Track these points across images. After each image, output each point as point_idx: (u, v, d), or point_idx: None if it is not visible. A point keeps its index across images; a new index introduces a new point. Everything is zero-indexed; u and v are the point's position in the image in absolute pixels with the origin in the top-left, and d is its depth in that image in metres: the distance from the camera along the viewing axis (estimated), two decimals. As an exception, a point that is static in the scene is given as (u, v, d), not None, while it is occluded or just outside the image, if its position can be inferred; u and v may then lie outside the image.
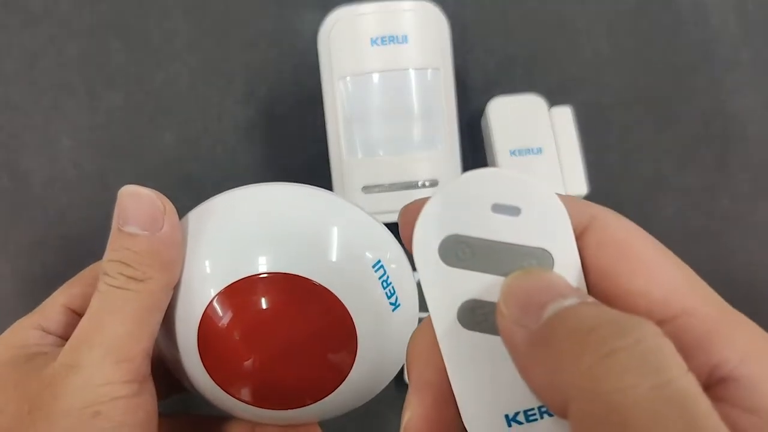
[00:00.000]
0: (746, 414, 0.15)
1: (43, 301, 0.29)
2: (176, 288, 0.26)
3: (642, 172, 0.43)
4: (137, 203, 0.25)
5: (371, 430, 0.38)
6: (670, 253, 0.17)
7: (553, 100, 0.41)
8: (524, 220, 0.17)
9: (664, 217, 0.42)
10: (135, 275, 0.24)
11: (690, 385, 0.13)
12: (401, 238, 0.19)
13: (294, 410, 0.27)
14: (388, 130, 0.37)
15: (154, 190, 0.25)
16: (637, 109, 0.44)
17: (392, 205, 0.37)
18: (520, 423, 0.17)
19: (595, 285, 0.17)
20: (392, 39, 0.36)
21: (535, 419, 0.17)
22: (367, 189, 0.37)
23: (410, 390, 0.18)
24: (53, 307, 0.28)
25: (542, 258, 0.17)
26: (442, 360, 0.17)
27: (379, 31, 0.36)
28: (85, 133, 0.43)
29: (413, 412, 0.17)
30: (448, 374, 0.17)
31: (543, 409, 0.17)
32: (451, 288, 0.17)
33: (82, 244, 0.41)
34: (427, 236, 0.17)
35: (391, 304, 0.27)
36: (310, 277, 0.26)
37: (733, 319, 0.16)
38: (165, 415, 0.29)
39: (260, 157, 0.43)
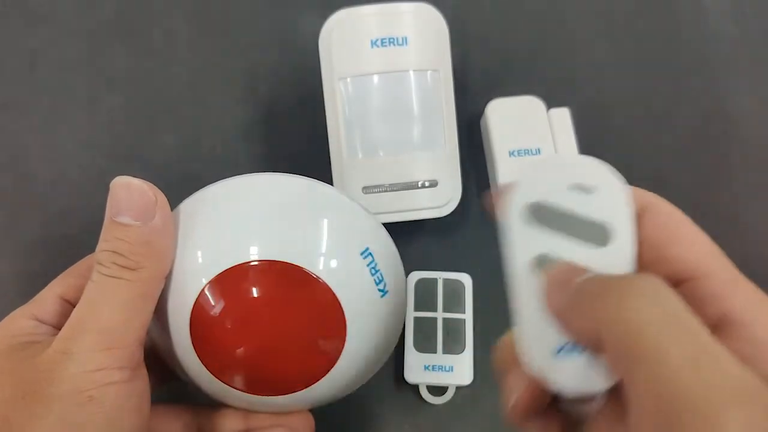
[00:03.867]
0: (740, 343, 0.19)
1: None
2: (168, 277, 0.26)
3: (642, 172, 0.43)
4: (129, 194, 0.25)
5: (371, 430, 0.38)
6: (702, 233, 0.23)
7: (552, 101, 0.42)
8: (594, 198, 0.21)
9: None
10: (128, 264, 0.25)
11: (685, 308, 0.18)
12: (488, 206, 0.23)
13: (285, 396, 0.28)
14: (388, 130, 0.38)
15: (145, 181, 0.26)
16: (636, 109, 0.44)
17: (392, 205, 0.37)
18: (563, 354, 0.21)
19: (645, 254, 0.22)
20: (392, 41, 0.36)
21: (574, 353, 0.21)
22: (367, 189, 0.37)
23: (511, 380, 0.22)
24: (48, 298, 0.28)
25: (601, 230, 0.21)
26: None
27: (379, 33, 0.36)
28: (87, 134, 0.43)
29: (519, 393, 0.22)
30: (515, 311, 0.21)
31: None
32: (529, 243, 0.21)
33: (83, 244, 0.41)
34: (516, 202, 0.21)
35: (379, 290, 0.28)
36: (299, 264, 0.26)
37: (739, 282, 0.22)
38: (160, 402, 0.29)
39: (260, 157, 0.43)
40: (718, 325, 0.20)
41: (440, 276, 0.39)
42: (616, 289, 0.19)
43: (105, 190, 0.42)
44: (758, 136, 0.43)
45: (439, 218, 0.38)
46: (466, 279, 0.39)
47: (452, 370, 0.37)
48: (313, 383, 0.28)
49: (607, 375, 0.20)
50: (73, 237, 0.41)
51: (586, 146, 0.41)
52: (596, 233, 0.21)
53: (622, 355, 0.18)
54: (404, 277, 0.30)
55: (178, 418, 0.30)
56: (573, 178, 0.21)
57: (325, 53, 0.38)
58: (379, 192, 0.37)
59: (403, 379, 0.37)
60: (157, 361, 0.29)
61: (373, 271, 0.28)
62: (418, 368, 0.37)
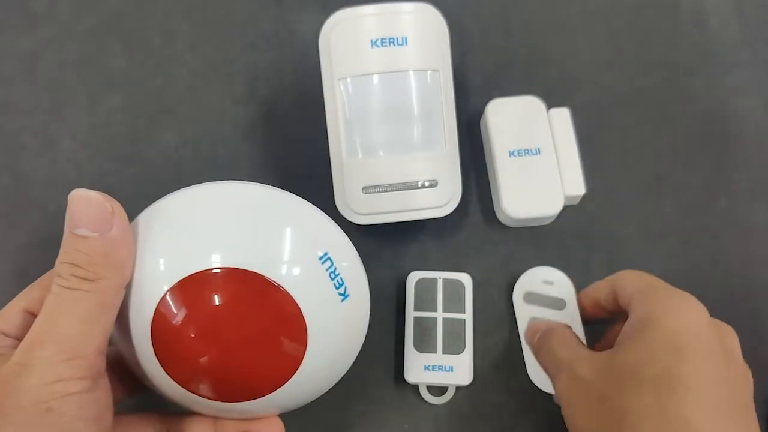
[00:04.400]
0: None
1: None
2: (129, 287, 0.27)
3: (641, 172, 0.43)
4: (86, 207, 0.26)
5: (371, 430, 0.38)
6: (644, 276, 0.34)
7: (552, 102, 0.42)
8: (555, 287, 0.39)
9: (663, 216, 0.42)
10: (86, 276, 0.25)
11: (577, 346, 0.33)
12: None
13: (251, 402, 0.28)
14: (388, 131, 0.37)
15: (103, 193, 0.26)
16: (636, 109, 0.44)
17: (392, 205, 0.37)
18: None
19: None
20: (392, 41, 0.36)
21: None
22: (367, 189, 0.37)
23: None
24: (12, 311, 0.28)
25: (560, 302, 0.39)
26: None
27: (379, 33, 0.36)
28: (86, 134, 0.43)
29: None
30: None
31: None
32: (525, 312, 0.39)
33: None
34: (517, 292, 0.39)
35: (339, 294, 0.28)
36: (258, 271, 0.26)
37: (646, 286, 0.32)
38: (126, 411, 0.29)
39: (260, 157, 0.43)
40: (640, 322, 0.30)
41: (440, 276, 0.39)
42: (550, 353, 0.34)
43: (105, 190, 0.42)
44: (758, 136, 0.43)
45: (439, 218, 0.38)
46: (466, 279, 0.39)
47: (452, 370, 0.37)
48: (278, 388, 0.28)
49: None
50: (73, 237, 0.41)
51: (586, 146, 0.41)
52: (557, 304, 0.39)
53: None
54: (366, 280, 0.30)
55: (145, 427, 0.30)
56: (543, 277, 0.39)
57: (325, 53, 0.37)
58: (379, 192, 0.37)
59: (403, 379, 0.37)
60: (127, 371, 0.29)
61: (333, 276, 0.28)
62: (418, 368, 0.37)
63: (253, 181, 0.42)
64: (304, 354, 0.27)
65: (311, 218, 0.29)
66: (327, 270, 0.28)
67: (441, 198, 0.38)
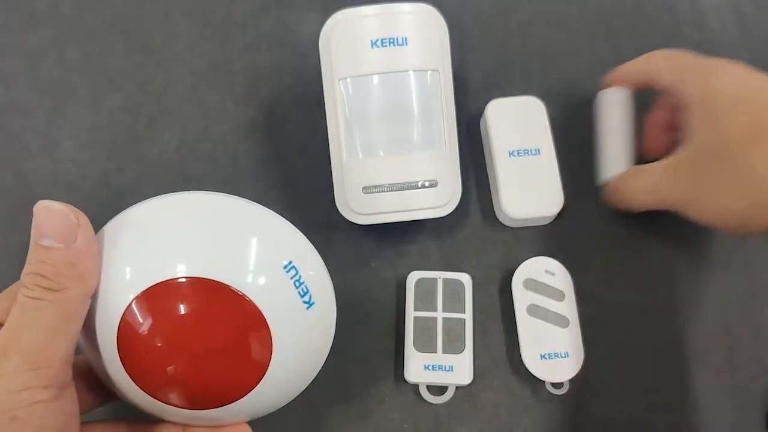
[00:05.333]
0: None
1: None
2: (95, 297, 0.27)
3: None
4: (51, 218, 0.26)
5: (372, 430, 0.38)
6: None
7: (552, 101, 0.42)
8: (555, 278, 0.39)
9: (663, 216, 0.42)
10: (51, 286, 0.25)
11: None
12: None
13: (219, 409, 0.28)
14: (388, 131, 0.38)
15: (67, 205, 0.26)
16: (635, 109, 0.44)
17: (392, 205, 0.37)
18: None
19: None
20: (392, 41, 0.36)
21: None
22: (367, 189, 0.37)
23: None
24: None
25: (559, 293, 0.39)
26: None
27: (379, 34, 0.36)
28: (87, 134, 0.43)
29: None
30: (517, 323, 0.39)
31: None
32: (524, 298, 0.39)
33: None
34: (517, 279, 0.39)
35: (305, 302, 0.28)
36: (223, 281, 0.27)
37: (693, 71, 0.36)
38: (95, 420, 0.30)
39: (261, 157, 0.43)
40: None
41: (440, 276, 0.39)
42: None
43: (105, 190, 0.42)
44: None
45: (439, 218, 0.38)
46: (465, 279, 0.39)
47: (452, 370, 0.37)
48: (245, 395, 0.28)
49: None
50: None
51: (586, 146, 0.41)
52: (557, 295, 0.39)
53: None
54: (332, 288, 0.31)
55: None
56: (545, 267, 0.39)
57: (325, 53, 0.38)
58: (379, 192, 0.37)
59: (403, 378, 0.37)
60: (97, 380, 0.30)
61: (297, 284, 0.28)
62: (418, 368, 0.37)
63: (254, 180, 0.42)
64: (269, 361, 0.28)
65: (276, 227, 0.29)
66: (292, 278, 0.28)
67: (441, 198, 0.38)
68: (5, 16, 0.45)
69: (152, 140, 0.43)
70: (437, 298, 0.38)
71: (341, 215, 0.38)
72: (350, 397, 0.38)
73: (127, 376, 0.27)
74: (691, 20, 0.46)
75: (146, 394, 0.28)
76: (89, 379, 0.29)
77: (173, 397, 0.28)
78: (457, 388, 0.38)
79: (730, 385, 0.39)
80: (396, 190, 0.37)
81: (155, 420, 0.30)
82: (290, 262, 0.28)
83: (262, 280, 0.27)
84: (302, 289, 0.28)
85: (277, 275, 0.28)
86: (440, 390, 0.38)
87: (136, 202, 0.29)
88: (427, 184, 0.38)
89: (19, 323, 0.25)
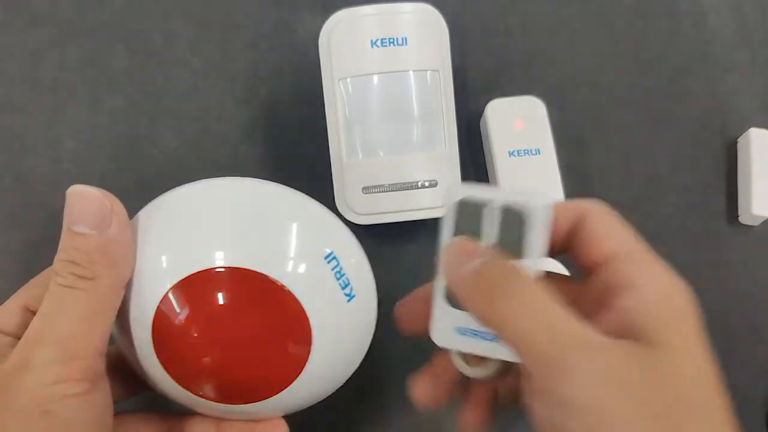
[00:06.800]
0: (629, 301, 0.23)
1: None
2: (129, 286, 0.26)
3: (641, 172, 0.43)
4: (85, 203, 0.25)
5: (372, 429, 0.38)
6: (624, 227, 0.25)
7: (552, 101, 0.42)
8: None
9: (663, 217, 0.42)
10: (84, 274, 0.25)
11: (538, 295, 0.22)
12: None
13: (254, 404, 0.28)
14: (388, 131, 0.38)
15: (101, 190, 0.26)
16: (636, 109, 0.44)
17: (392, 205, 0.37)
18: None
19: (581, 247, 0.25)
20: (392, 41, 0.36)
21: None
22: (367, 189, 0.37)
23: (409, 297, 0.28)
24: (10, 309, 0.28)
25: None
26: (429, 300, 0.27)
27: (379, 33, 0.36)
28: (87, 134, 0.43)
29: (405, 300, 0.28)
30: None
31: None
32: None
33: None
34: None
35: (345, 295, 0.28)
36: (263, 271, 0.26)
37: (644, 256, 0.24)
38: (127, 410, 0.29)
39: (261, 157, 0.43)
40: (620, 287, 0.23)
41: (495, 200, 0.25)
42: (504, 287, 0.23)
43: (106, 189, 0.42)
44: (757, 136, 0.44)
45: (439, 218, 0.38)
46: (534, 205, 0.24)
47: (496, 340, 0.25)
48: (283, 390, 0.27)
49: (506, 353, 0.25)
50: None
51: (587, 146, 0.41)
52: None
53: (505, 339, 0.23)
54: (373, 279, 0.30)
55: (146, 427, 0.30)
56: (545, 267, 0.25)
57: (325, 53, 0.38)
58: (379, 192, 0.37)
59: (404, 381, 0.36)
60: (128, 370, 0.29)
61: (339, 276, 0.27)
62: (447, 330, 0.26)
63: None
64: (308, 356, 0.27)
65: (317, 216, 0.28)
66: (333, 270, 0.27)
67: (440, 198, 0.38)
68: (5, 16, 0.45)
69: (152, 140, 0.43)
70: (489, 232, 0.25)
71: (341, 215, 0.38)
72: (358, 396, 0.38)
73: (162, 368, 0.27)
74: (691, 21, 0.46)
75: (181, 387, 0.27)
76: (118, 370, 0.29)
77: (208, 390, 0.27)
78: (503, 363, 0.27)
79: (730, 385, 0.39)
80: (396, 190, 0.37)
81: (187, 412, 0.29)
82: (331, 253, 0.27)
83: (302, 271, 0.26)
84: (343, 281, 0.27)
85: (317, 266, 0.27)
86: (481, 360, 0.27)
87: (136, 203, 0.28)
88: (427, 184, 0.38)
89: (51, 312, 0.25)
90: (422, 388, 0.28)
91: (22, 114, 0.44)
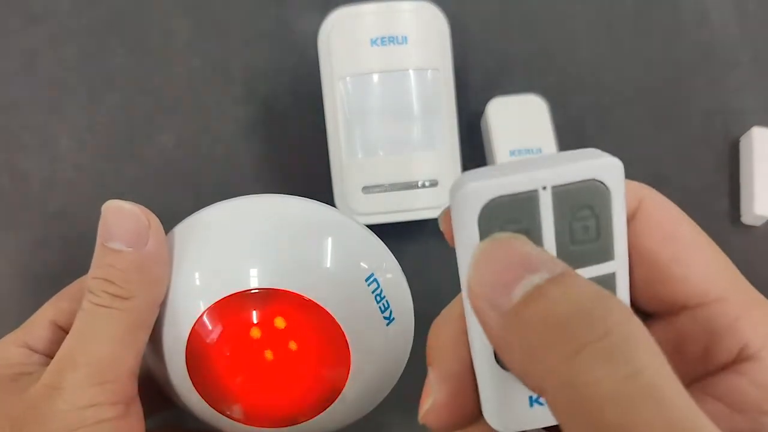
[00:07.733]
0: (759, 389, 0.17)
1: (41, 304, 0.28)
2: (163, 304, 0.25)
3: (642, 172, 0.43)
4: (121, 219, 0.24)
5: (372, 429, 0.38)
6: (708, 240, 0.19)
7: (553, 101, 0.42)
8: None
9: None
10: (119, 293, 0.24)
11: (660, 369, 0.13)
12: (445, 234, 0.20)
13: (286, 428, 0.27)
14: (388, 130, 0.37)
15: (138, 205, 0.25)
16: (637, 109, 0.44)
17: (392, 205, 0.37)
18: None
19: (639, 265, 0.18)
20: (392, 39, 0.36)
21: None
22: (367, 189, 0.37)
23: (433, 377, 0.18)
24: (40, 324, 0.27)
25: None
26: (466, 351, 0.18)
27: (379, 32, 0.36)
28: (85, 133, 0.43)
29: (435, 399, 0.18)
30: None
31: None
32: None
33: (82, 245, 0.41)
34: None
35: (385, 318, 0.27)
36: (301, 293, 0.25)
37: (760, 307, 0.18)
38: (155, 429, 0.28)
39: (260, 157, 0.43)
40: (736, 361, 0.17)
41: (544, 184, 0.18)
42: (564, 343, 0.14)
43: (104, 190, 0.42)
44: (759, 136, 0.43)
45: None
46: (610, 173, 0.19)
47: None
48: (317, 414, 0.26)
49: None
50: (71, 237, 0.41)
51: (588, 145, 0.41)
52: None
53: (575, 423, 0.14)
54: (411, 302, 0.28)
55: None
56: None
57: (324, 52, 0.37)
58: (379, 192, 0.37)
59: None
60: (151, 387, 0.28)
61: (378, 299, 0.26)
62: (512, 404, 0.18)
63: (253, 181, 0.42)
64: (345, 381, 0.26)
65: (358, 237, 0.27)
66: (373, 292, 0.26)
67: (441, 198, 0.38)
68: (2, 15, 0.45)
69: (150, 139, 0.43)
70: (541, 236, 0.18)
71: (341, 215, 0.38)
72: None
73: (193, 389, 0.26)
74: (692, 20, 0.46)
75: (213, 410, 0.26)
76: (143, 385, 0.28)
77: (240, 413, 0.26)
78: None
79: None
80: (396, 190, 0.37)
81: None
82: (372, 275, 0.26)
83: (342, 294, 0.26)
84: (383, 304, 0.26)
85: (357, 288, 0.26)
86: None
87: (135, 202, 0.28)
88: (427, 183, 0.37)
89: (85, 332, 0.24)
90: None
91: (18, 113, 0.44)
